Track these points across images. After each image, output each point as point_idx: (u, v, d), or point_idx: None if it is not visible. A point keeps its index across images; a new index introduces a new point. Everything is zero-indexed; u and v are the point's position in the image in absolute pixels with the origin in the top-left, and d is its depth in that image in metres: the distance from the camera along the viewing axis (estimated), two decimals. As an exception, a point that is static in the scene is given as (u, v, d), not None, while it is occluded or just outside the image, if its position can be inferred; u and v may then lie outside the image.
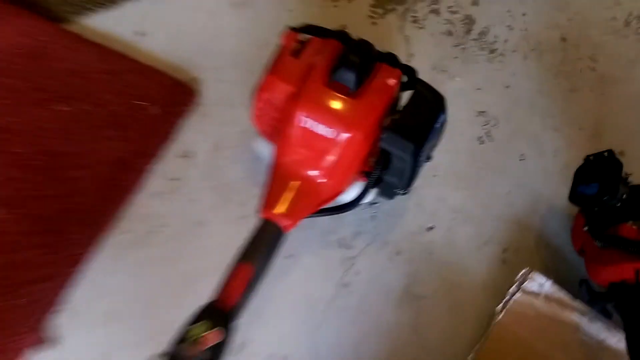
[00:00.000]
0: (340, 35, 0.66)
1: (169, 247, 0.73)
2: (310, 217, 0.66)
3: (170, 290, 0.70)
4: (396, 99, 0.66)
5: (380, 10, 0.95)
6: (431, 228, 0.80)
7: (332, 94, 0.61)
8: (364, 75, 0.62)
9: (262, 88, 0.65)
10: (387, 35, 0.93)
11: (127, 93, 0.80)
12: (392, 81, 0.62)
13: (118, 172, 0.75)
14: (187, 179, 0.77)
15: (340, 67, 0.60)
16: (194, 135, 0.80)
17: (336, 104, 0.60)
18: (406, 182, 0.66)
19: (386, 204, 0.80)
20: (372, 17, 0.95)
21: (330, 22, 0.90)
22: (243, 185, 0.78)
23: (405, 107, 0.63)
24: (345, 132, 0.61)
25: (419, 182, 0.78)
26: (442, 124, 0.64)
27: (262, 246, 0.61)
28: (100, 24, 0.85)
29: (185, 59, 0.85)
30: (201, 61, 0.85)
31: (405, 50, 0.93)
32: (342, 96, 0.61)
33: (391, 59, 0.65)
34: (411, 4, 0.97)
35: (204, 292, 0.57)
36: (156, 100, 0.80)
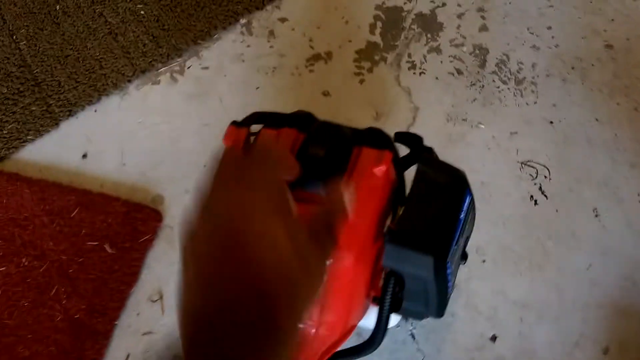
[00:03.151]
0: (297, 120, 0.58)
1: None
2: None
3: None
4: (395, 189, 0.57)
5: (366, 64, 0.92)
6: (495, 338, 0.72)
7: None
8: (336, 171, 0.53)
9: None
10: (381, 92, 0.89)
11: (74, 235, 0.78)
12: (380, 169, 0.54)
13: (77, 340, 0.70)
14: (162, 330, 0.72)
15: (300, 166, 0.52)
16: (164, 269, 0.76)
17: None
18: (436, 308, 0.56)
19: (426, 314, 0.72)
20: (358, 73, 0.91)
21: (308, 93, 0.88)
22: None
23: (409, 199, 0.53)
24: None
25: (463, 274, 0.73)
26: (470, 209, 0.55)
27: None
28: (40, 154, 0.86)
29: (142, 175, 0.84)
30: (161, 173, 0.84)
31: (408, 104, 0.88)
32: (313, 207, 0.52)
33: (375, 137, 0.56)
34: (403, 47, 0.93)
35: None
36: (110, 236, 0.78)
